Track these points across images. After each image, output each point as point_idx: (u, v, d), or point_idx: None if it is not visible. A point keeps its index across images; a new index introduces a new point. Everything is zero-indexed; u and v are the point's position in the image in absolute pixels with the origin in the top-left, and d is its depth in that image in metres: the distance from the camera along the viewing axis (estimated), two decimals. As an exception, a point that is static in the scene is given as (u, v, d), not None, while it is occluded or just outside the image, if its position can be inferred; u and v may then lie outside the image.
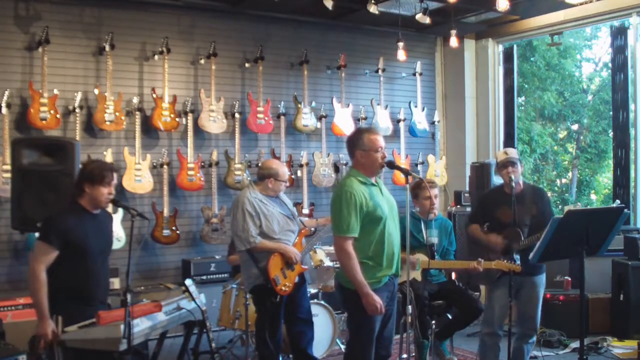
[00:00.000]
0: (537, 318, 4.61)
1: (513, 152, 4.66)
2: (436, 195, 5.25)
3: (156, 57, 6.56)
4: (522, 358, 4.64)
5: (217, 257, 6.73)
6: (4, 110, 5.78)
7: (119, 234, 6.07)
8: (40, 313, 3.46)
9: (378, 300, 3.59)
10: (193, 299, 3.93)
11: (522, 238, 4.47)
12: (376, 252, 3.68)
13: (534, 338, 4.70)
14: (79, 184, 3.64)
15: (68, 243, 3.52)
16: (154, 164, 6.49)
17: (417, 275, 5.05)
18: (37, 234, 3.80)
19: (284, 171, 4.81)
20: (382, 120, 7.74)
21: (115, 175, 3.66)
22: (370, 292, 3.58)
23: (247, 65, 7.11)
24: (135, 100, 6.39)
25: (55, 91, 5.95)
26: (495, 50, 8.33)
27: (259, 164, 5.77)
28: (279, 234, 4.69)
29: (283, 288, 4.59)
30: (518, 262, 4.38)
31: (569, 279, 6.35)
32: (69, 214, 3.62)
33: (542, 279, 4.62)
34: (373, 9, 6.37)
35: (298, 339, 4.79)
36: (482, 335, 4.74)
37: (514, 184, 4.45)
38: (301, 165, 7.25)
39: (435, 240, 5.14)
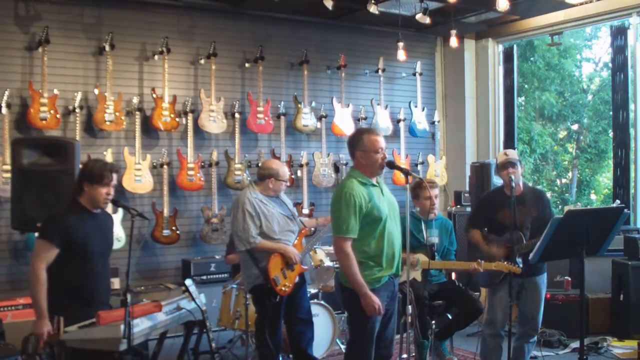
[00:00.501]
0: (539, 318, 4.62)
1: (513, 153, 4.66)
2: (436, 195, 5.26)
3: (156, 57, 6.56)
4: (523, 357, 4.64)
5: (217, 257, 6.73)
6: (4, 110, 5.79)
7: (119, 234, 6.07)
8: (39, 312, 3.46)
9: (376, 301, 3.59)
10: (193, 299, 3.93)
11: (524, 241, 4.46)
12: (376, 252, 3.69)
13: (535, 338, 4.70)
14: (79, 183, 3.66)
15: (69, 242, 3.52)
16: (154, 164, 6.49)
17: (417, 275, 5.05)
18: (37, 234, 3.80)
19: (284, 171, 4.81)
20: (382, 120, 7.74)
21: (114, 175, 3.66)
22: (368, 292, 3.59)
23: (247, 65, 7.11)
24: (135, 100, 6.40)
25: (55, 91, 5.95)
26: (495, 50, 8.33)
27: (259, 164, 5.77)
28: (279, 234, 4.69)
29: (283, 288, 4.59)
30: (521, 265, 4.39)
31: (569, 279, 6.35)
32: (70, 213, 3.62)
33: (543, 278, 4.62)
34: (373, 9, 6.37)
35: (298, 339, 4.79)
36: (484, 336, 4.74)
37: (513, 185, 4.45)
38: (301, 165, 7.25)
39: (435, 240, 5.14)
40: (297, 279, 4.73)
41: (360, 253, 3.66)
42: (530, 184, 5.33)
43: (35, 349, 3.51)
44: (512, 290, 4.37)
